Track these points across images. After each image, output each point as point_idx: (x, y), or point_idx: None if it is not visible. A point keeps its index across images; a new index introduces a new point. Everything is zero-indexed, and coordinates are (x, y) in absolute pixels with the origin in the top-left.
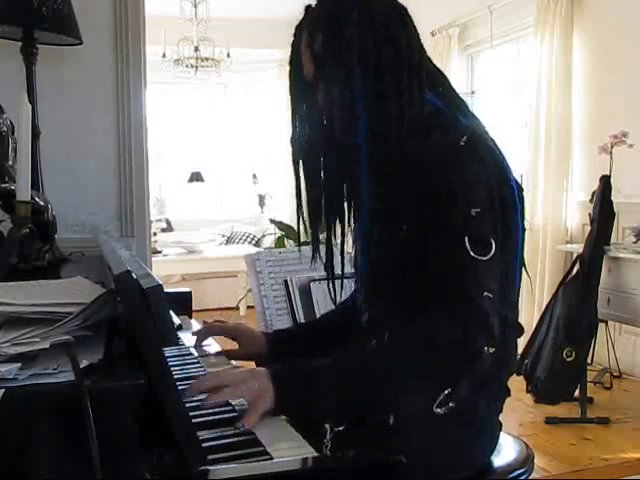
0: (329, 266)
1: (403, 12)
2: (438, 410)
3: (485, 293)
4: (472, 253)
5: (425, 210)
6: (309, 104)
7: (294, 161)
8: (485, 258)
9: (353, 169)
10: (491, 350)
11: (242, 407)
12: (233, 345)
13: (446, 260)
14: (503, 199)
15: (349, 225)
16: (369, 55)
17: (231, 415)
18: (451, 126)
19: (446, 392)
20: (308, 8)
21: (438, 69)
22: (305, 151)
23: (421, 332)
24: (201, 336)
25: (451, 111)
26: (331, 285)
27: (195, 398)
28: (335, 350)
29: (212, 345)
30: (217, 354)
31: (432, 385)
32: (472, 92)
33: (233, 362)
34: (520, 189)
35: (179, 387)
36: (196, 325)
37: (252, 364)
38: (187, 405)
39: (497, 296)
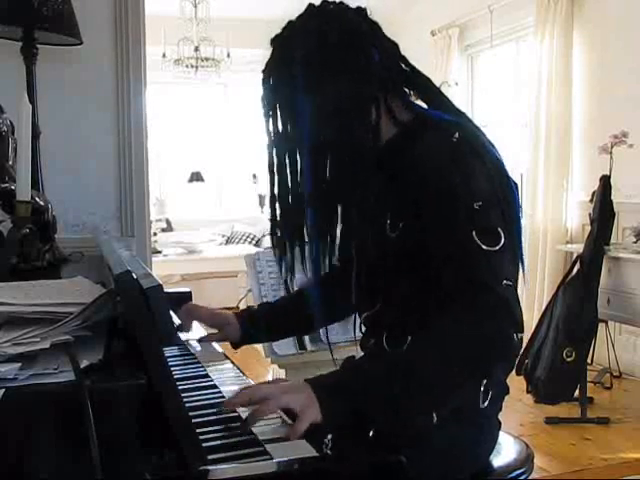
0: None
1: (357, 35)
2: (485, 404)
3: (504, 282)
4: (483, 246)
5: (425, 208)
6: (274, 135)
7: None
8: (496, 248)
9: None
10: (519, 336)
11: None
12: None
13: (458, 257)
14: (503, 190)
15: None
16: (311, 92)
17: (231, 415)
18: (440, 125)
19: (484, 384)
20: (272, 42)
21: (418, 71)
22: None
23: (450, 329)
24: (187, 322)
25: (436, 110)
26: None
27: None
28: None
29: (199, 330)
30: (201, 339)
31: (469, 379)
32: (456, 83)
33: (216, 346)
34: (515, 185)
35: (179, 387)
36: (196, 325)
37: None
38: (187, 405)
39: (515, 282)
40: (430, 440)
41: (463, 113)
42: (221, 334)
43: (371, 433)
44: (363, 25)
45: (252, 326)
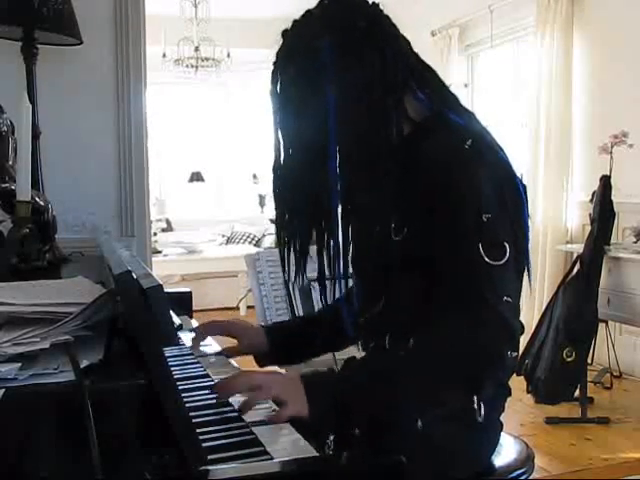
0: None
1: (379, 27)
2: (481, 418)
3: (505, 298)
4: (487, 259)
5: (431, 214)
6: (290, 130)
7: (275, 187)
8: (500, 263)
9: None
10: (514, 354)
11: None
12: (231, 342)
13: (461, 268)
14: (512, 201)
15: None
16: (340, 80)
17: (232, 415)
18: (452, 128)
19: (475, 399)
20: (284, 34)
21: (429, 68)
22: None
23: (444, 340)
24: (199, 337)
25: (447, 112)
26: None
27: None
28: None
29: (212, 345)
30: (216, 354)
31: (457, 392)
32: (465, 85)
33: (233, 361)
34: (524, 188)
35: (179, 387)
36: (196, 325)
37: (254, 363)
38: (187, 405)
39: (515, 298)
40: (430, 440)
41: (472, 113)
42: (242, 343)
43: (357, 431)
44: (382, 18)
45: (283, 332)
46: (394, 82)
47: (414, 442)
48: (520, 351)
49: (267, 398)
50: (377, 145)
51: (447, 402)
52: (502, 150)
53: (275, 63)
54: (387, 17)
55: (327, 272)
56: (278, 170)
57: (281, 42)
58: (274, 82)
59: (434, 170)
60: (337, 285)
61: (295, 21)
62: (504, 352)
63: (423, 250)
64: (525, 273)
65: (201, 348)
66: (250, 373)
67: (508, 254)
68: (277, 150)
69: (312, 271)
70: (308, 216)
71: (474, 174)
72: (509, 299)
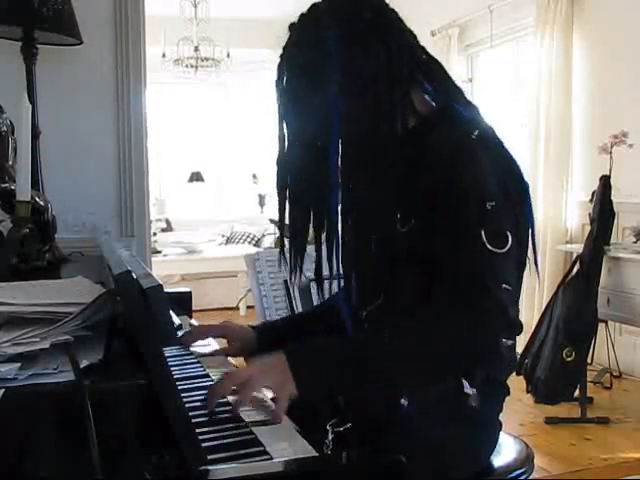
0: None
1: (384, 19)
2: (474, 404)
3: (503, 286)
4: (489, 246)
5: (436, 204)
6: (295, 122)
7: (279, 180)
8: (502, 251)
9: (327, 172)
10: (509, 343)
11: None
12: (223, 343)
13: (463, 255)
14: (516, 192)
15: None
16: (346, 70)
17: (231, 415)
18: (457, 122)
19: (466, 385)
20: (291, 27)
21: (435, 61)
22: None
23: (438, 322)
24: (189, 342)
25: (453, 104)
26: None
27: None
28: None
29: (211, 345)
30: (215, 352)
31: (441, 374)
32: (470, 80)
33: (231, 360)
34: (527, 186)
35: (179, 387)
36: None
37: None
38: (187, 405)
39: (514, 288)
40: (429, 439)
41: (476, 107)
42: (233, 345)
43: (329, 427)
44: (387, 11)
45: (267, 332)
46: (400, 74)
47: (414, 442)
48: (519, 349)
49: (256, 391)
50: (381, 137)
51: (435, 381)
52: (506, 148)
53: (282, 55)
54: (393, 10)
55: (326, 268)
56: (282, 162)
57: (288, 34)
58: (280, 74)
59: (439, 163)
60: (335, 281)
61: (302, 14)
62: (498, 339)
63: (428, 242)
64: (530, 265)
65: (198, 348)
66: (233, 372)
67: (510, 243)
68: (282, 142)
69: (311, 271)
70: (308, 209)
71: (478, 165)
72: (508, 287)
